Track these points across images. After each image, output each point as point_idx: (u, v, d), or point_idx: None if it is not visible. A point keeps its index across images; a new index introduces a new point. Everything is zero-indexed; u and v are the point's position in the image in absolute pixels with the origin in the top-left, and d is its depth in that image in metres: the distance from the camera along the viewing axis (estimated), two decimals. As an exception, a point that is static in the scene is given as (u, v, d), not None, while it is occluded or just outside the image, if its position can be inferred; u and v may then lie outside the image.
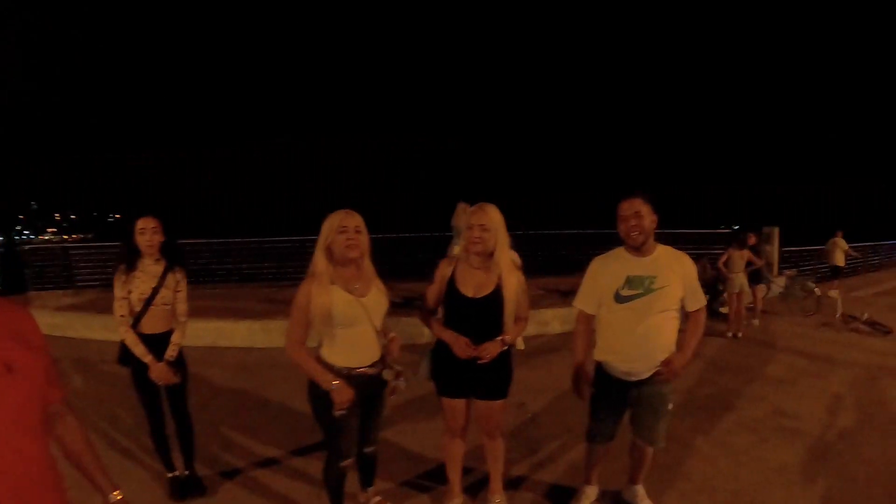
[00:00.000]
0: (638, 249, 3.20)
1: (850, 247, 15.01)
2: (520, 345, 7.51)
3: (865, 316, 9.80)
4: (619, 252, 3.32)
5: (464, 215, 10.70)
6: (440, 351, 3.31)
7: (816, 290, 11.10)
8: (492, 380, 3.33)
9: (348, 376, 2.98)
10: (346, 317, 2.94)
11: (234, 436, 4.97)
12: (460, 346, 3.12)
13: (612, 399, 3.39)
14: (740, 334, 9.01)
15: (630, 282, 3.18)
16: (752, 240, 9.73)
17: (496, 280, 3.21)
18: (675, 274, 3.19)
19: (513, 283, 3.23)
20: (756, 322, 9.97)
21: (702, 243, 13.54)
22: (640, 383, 3.27)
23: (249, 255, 13.90)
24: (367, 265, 3.11)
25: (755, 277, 9.89)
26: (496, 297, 3.19)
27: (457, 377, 3.29)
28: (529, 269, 11.39)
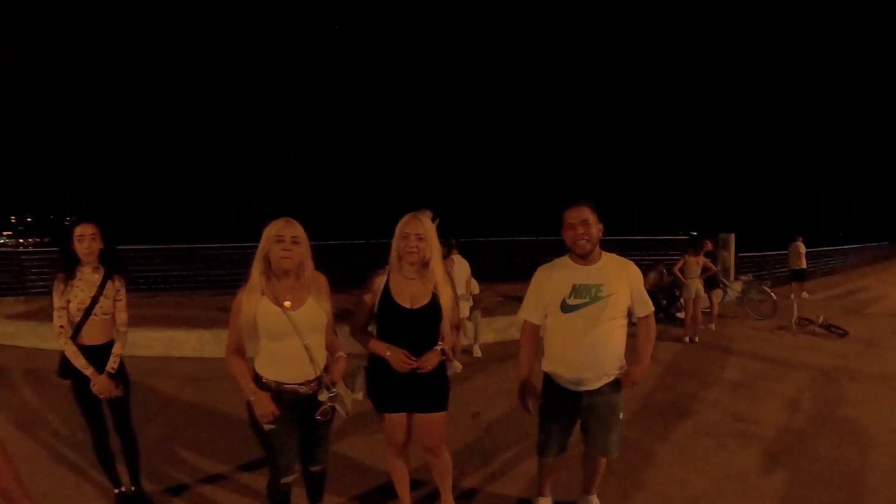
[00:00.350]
0: (584, 258, 3.16)
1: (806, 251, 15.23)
2: (457, 368, 7.19)
3: (821, 319, 9.94)
4: (565, 261, 3.28)
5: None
6: (375, 366, 3.20)
7: (773, 294, 11.24)
8: (431, 391, 3.23)
9: (277, 391, 2.88)
10: (272, 329, 2.84)
11: (181, 450, 4.81)
12: (400, 359, 3.03)
13: (561, 410, 3.32)
14: (697, 339, 9.10)
15: (576, 290, 3.13)
16: (708, 246, 9.84)
17: (431, 290, 3.15)
18: (621, 282, 3.16)
19: (448, 292, 3.18)
20: (713, 326, 10.09)
21: (659, 250, 13.66)
22: (590, 393, 3.21)
23: (204, 261, 13.52)
24: (311, 277, 2.98)
25: (711, 283, 9.98)
26: (434, 307, 3.13)
27: (396, 391, 3.18)
28: (489, 275, 11.44)
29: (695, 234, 11.65)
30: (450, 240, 7.45)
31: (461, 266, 7.24)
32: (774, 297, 11.16)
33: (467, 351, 8.04)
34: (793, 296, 12.58)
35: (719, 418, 5.48)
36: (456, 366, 7.02)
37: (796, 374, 7.07)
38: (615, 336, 3.17)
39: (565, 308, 3.15)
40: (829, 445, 4.83)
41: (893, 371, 7.20)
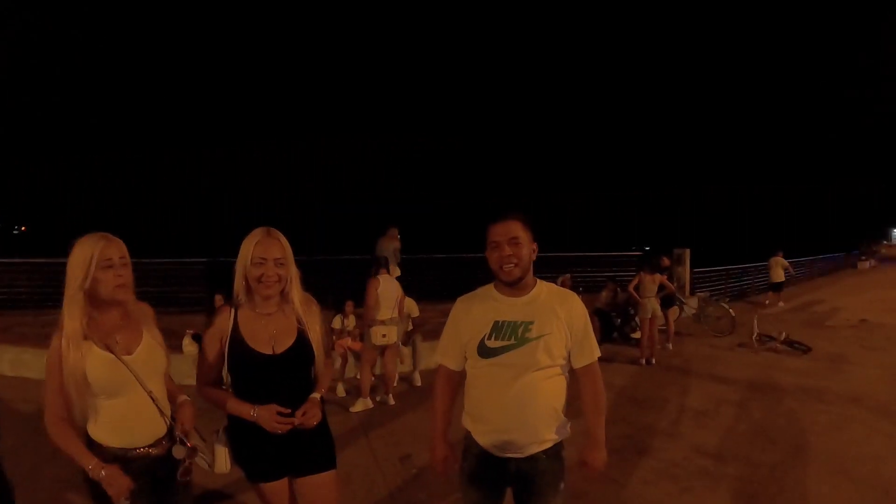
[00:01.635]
0: (512, 286, 2.40)
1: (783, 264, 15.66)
2: (368, 404, 6.35)
3: (783, 335, 9.50)
4: (488, 290, 2.51)
5: (395, 241, 9.89)
6: (239, 426, 2.44)
7: (731, 310, 10.86)
8: (315, 448, 2.53)
9: (125, 459, 2.17)
10: (107, 384, 2.16)
11: (77, 496, 3.98)
12: (272, 419, 2.31)
13: (486, 478, 2.51)
14: (654, 360, 8.66)
15: (498, 329, 2.36)
16: (665, 262, 9.39)
17: (295, 324, 2.47)
18: (558, 319, 2.37)
19: (316, 321, 2.53)
20: (670, 346, 9.73)
21: (610, 266, 13.26)
22: (520, 460, 2.42)
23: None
24: (135, 307, 2.32)
25: (668, 300, 9.53)
26: (302, 347, 2.46)
27: (271, 454, 2.44)
28: (439, 293, 10.82)
29: (648, 249, 11.22)
30: (379, 259, 6.76)
31: (390, 286, 6.41)
32: (732, 314, 10.83)
33: (406, 379, 7.34)
34: (777, 303, 13.09)
35: (682, 455, 4.93)
36: (366, 402, 6.31)
37: (762, 398, 6.61)
38: (548, 389, 2.39)
39: (483, 351, 2.39)
40: (808, 481, 4.36)
41: (863, 390, 6.85)
